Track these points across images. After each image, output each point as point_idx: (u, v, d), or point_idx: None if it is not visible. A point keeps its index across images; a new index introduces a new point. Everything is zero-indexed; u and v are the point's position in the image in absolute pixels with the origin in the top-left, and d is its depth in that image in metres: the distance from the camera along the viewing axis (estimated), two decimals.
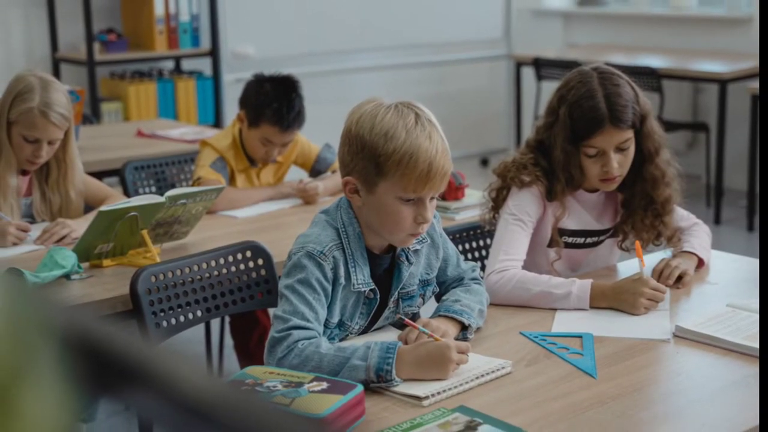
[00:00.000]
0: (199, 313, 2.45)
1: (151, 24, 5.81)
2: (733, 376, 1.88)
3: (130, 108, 5.72)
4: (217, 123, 6.01)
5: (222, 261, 2.50)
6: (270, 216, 3.20)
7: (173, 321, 2.37)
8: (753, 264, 2.56)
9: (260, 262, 2.55)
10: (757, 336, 2.01)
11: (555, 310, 2.24)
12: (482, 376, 1.85)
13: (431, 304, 2.18)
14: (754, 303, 2.19)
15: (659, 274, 2.40)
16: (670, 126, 4.94)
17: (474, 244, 2.76)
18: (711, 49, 6.56)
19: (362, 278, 2.00)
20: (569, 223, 2.49)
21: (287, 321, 1.89)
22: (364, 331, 2.08)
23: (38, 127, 2.82)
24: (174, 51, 5.93)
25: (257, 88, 3.30)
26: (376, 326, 2.10)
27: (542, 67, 6.46)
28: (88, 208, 3.02)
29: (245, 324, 3.48)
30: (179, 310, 2.39)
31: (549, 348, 2.01)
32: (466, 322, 2.02)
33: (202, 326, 3.71)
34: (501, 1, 7.58)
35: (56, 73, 5.71)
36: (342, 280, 1.98)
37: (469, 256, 2.73)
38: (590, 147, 2.37)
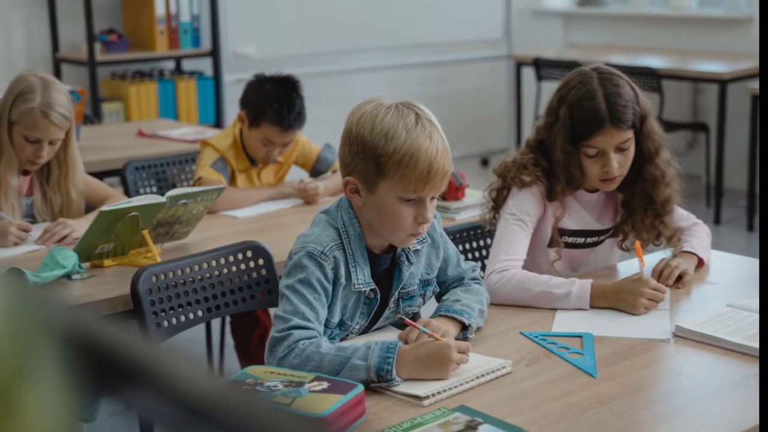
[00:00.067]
0: (199, 313, 2.45)
1: (151, 24, 5.81)
2: (733, 376, 1.88)
3: (130, 108, 5.72)
4: (218, 123, 6.01)
5: (223, 261, 2.50)
6: (270, 216, 3.20)
7: (174, 321, 2.38)
8: (753, 264, 2.56)
9: (261, 262, 2.55)
10: (757, 336, 2.01)
11: (555, 310, 2.24)
12: (482, 375, 1.85)
13: (431, 304, 2.19)
14: (754, 303, 2.19)
15: (659, 274, 2.40)
16: (670, 126, 4.94)
17: (474, 244, 2.76)
18: (711, 49, 6.56)
19: (363, 278, 2.00)
20: (569, 223, 2.50)
21: (288, 321, 1.89)
22: (365, 330, 2.08)
23: (39, 127, 2.82)
24: (175, 51, 5.93)
25: (258, 88, 3.30)
26: (376, 326, 2.10)
27: (542, 67, 6.46)
28: (89, 208, 3.02)
29: (246, 324, 3.48)
30: (180, 309, 2.39)
31: (549, 348, 2.01)
32: (467, 322, 2.03)
33: (202, 326, 3.71)
34: (501, 1, 7.58)
35: (57, 73, 5.71)
36: (342, 280, 1.98)
37: (470, 256, 2.73)
38: (590, 147, 2.37)
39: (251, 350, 3.45)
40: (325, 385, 1.70)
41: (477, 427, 1.65)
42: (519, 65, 6.92)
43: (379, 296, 2.05)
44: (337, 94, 6.62)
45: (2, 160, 2.87)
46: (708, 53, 6.46)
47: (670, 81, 6.07)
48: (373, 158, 1.93)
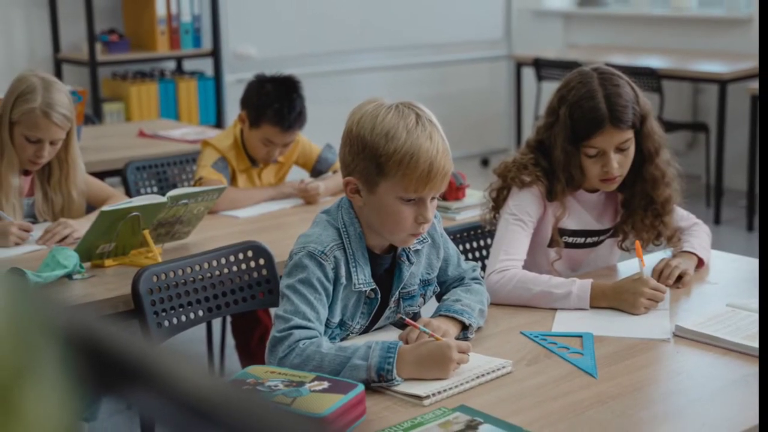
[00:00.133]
0: (200, 313, 2.45)
1: (152, 24, 5.81)
2: (733, 376, 1.89)
3: (131, 108, 5.73)
4: (219, 123, 6.01)
5: (223, 261, 2.50)
6: (271, 216, 3.20)
7: (175, 321, 2.38)
8: (753, 264, 2.56)
9: (261, 261, 2.55)
10: (756, 336, 2.01)
11: (555, 309, 2.24)
12: (483, 375, 1.85)
13: (432, 304, 2.19)
14: (754, 303, 2.19)
15: (659, 273, 2.40)
16: (670, 126, 4.94)
17: (474, 244, 2.76)
18: (711, 49, 6.56)
19: (363, 278, 2.00)
20: (569, 223, 2.50)
21: (288, 321, 1.89)
22: (365, 330, 2.09)
23: (40, 128, 2.83)
24: (175, 51, 5.94)
25: (258, 88, 3.30)
26: (377, 326, 2.10)
27: (542, 67, 6.46)
28: (90, 208, 3.03)
29: (246, 324, 3.48)
30: (181, 309, 2.40)
31: (549, 348, 2.02)
32: (467, 322, 2.03)
33: (203, 326, 3.72)
34: (501, 2, 7.58)
35: (58, 73, 5.72)
36: (343, 280, 1.98)
37: (470, 256, 2.73)
38: (590, 147, 2.38)
39: (252, 350, 3.45)
40: (325, 384, 1.71)
41: (477, 427, 1.65)
42: (519, 65, 6.92)
43: (379, 296, 2.05)
44: (337, 94, 6.63)
45: (3, 160, 2.87)
46: (708, 53, 6.46)
47: (670, 81, 6.07)
48: (373, 158, 1.93)
